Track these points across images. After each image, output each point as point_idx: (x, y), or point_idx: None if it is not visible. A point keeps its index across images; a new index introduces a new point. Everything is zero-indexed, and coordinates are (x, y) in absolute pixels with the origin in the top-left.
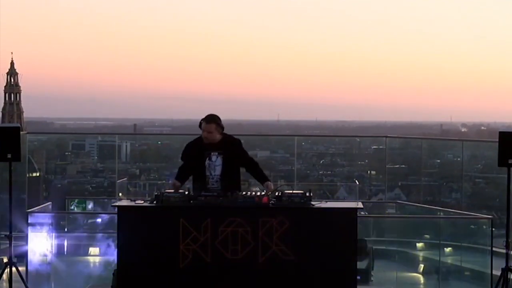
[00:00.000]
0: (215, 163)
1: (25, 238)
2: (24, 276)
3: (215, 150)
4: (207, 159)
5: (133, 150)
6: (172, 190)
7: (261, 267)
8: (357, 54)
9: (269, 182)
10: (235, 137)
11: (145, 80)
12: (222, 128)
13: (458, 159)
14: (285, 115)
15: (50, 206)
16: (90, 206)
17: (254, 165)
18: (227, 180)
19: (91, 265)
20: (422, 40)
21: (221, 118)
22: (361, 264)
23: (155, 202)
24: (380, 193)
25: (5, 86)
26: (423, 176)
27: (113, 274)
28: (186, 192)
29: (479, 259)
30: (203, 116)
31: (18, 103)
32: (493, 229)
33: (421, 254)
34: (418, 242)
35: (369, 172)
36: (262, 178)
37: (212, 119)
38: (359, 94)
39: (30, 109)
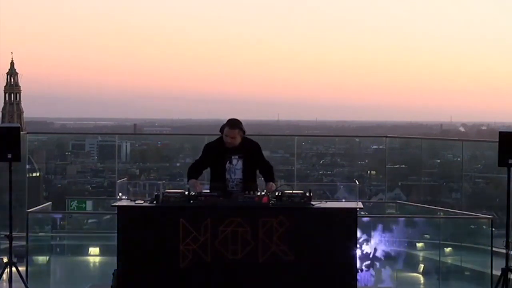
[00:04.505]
0: (236, 167)
1: (25, 238)
2: (24, 276)
3: (236, 154)
4: (228, 162)
5: (133, 150)
6: (174, 191)
7: (261, 267)
8: (357, 54)
9: (272, 183)
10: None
11: (145, 80)
12: (244, 132)
13: (458, 159)
14: (285, 115)
15: (50, 206)
16: (90, 206)
17: (268, 167)
18: (247, 183)
19: (91, 265)
20: (422, 40)
21: (222, 118)
22: (361, 264)
23: (155, 202)
24: (380, 193)
25: (5, 86)
26: (423, 176)
27: (113, 274)
28: (186, 192)
29: (479, 259)
30: (203, 116)
31: (18, 103)
32: (493, 229)
33: (421, 254)
34: (418, 242)
35: (369, 172)
36: (268, 179)
37: (235, 125)
38: (359, 94)
39: (30, 109)
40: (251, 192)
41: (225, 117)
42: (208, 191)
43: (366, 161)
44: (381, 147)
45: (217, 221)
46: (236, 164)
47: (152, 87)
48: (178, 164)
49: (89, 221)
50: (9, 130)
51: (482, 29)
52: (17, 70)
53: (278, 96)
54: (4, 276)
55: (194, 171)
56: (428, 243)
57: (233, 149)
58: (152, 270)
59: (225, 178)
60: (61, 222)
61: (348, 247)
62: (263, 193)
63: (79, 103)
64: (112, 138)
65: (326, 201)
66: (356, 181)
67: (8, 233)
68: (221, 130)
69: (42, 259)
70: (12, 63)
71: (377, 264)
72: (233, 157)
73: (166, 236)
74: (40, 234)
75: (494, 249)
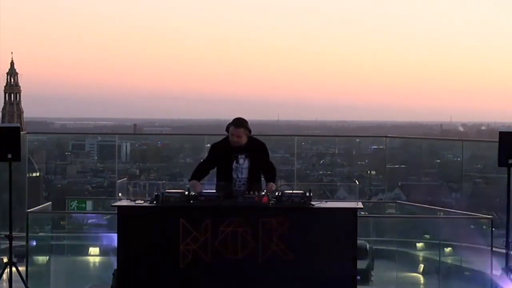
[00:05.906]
0: (242, 166)
1: (25, 238)
2: (24, 276)
3: (242, 153)
4: (235, 161)
5: (133, 150)
6: (174, 191)
7: (261, 267)
8: (357, 55)
9: (272, 183)
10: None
11: (145, 80)
12: (250, 131)
13: (458, 159)
14: (285, 115)
15: (50, 206)
16: (90, 206)
17: (272, 169)
18: (253, 183)
19: (91, 265)
20: (422, 40)
21: (222, 118)
22: (361, 264)
23: (155, 202)
24: (380, 193)
25: (5, 86)
26: (423, 176)
27: (113, 274)
28: (186, 192)
29: (479, 259)
30: (203, 116)
31: (18, 103)
32: (493, 229)
33: (421, 254)
34: (418, 242)
35: (369, 172)
36: (269, 179)
37: (241, 124)
38: (359, 94)
39: (30, 109)
40: (251, 192)
41: (225, 117)
42: (208, 191)
43: (366, 161)
44: (381, 147)
45: (217, 221)
46: (242, 164)
47: (152, 87)
48: (178, 164)
49: (89, 221)
50: (9, 130)
51: (482, 29)
52: (17, 70)
53: (278, 96)
54: (4, 276)
55: (200, 171)
56: (428, 243)
57: (239, 148)
58: (152, 270)
59: (232, 178)
60: (61, 222)
61: (348, 247)
62: (263, 193)
63: (79, 103)
64: (112, 138)
65: (326, 201)
66: (356, 181)
67: (8, 233)
68: (227, 129)
69: (42, 259)
70: (12, 63)
71: (377, 264)
72: (239, 156)
73: (166, 236)
74: (40, 234)
75: (494, 249)
